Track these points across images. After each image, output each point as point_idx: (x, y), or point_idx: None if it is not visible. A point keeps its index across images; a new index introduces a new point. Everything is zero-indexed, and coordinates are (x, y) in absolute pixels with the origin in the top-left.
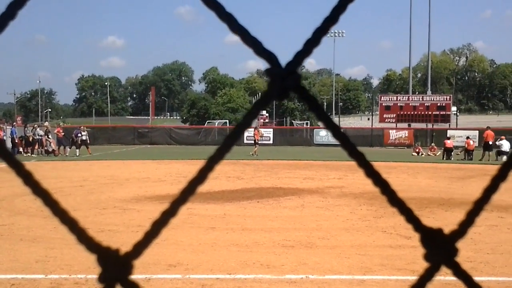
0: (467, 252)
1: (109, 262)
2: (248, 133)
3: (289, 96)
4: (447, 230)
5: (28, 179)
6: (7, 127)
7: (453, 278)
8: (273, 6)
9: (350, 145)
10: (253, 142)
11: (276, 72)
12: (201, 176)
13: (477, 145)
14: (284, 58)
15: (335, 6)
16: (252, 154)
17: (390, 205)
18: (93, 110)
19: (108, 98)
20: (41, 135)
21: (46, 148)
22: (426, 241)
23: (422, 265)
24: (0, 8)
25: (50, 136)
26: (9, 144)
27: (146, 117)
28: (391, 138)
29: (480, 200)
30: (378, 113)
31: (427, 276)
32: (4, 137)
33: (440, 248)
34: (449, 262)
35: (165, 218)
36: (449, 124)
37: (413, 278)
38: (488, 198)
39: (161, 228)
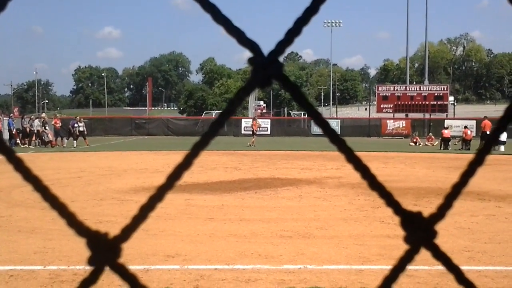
0: (464, 241)
1: (98, 245)
2: (246, 123)
3: (272, 84)
4: (445, 218)
5: (20, 168)
6: (4, 118)
7: None
8: None
9: (331, 132)
10: (251, 132)
11: (259, 61)
12: (186, 162)
13: (474, 134)
14: (268, 47)
15: None
16: (250, 144)
17: (371, 189)
18: (90, 101)
19: (105, 89)
20: (38, 126)
21: (43, 139)
22: (405, 224)
23: (419, 255)
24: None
25: (47, 127)
26: (6, 136)
27: (143, 108)
28: (388, 128)
29: (458, 184)
30: (375, 103)
31: (407, 258)
32: (1, 129)
33: (419, 230)
34: (428, 244)
35: (152, 203)
36: (447, 114)
37: (411, 268)
38: (465, 183)
39: (148, 212)
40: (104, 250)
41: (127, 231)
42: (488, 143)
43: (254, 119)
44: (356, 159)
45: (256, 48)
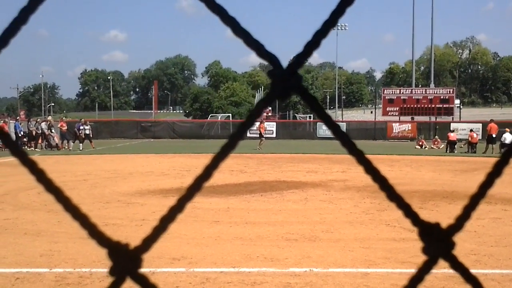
0: (471, 245)
1: (119, 256)
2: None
3: (291, 96)
4: (451, 222)
5: (40, 175)
6: (11, 121)
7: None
8: (275, 2)
9: (349, 143)
10: (258, 135)
11: (278, 73)
12: (207, 174)
13: (480, 138)
14: (285, 53)
15: (334, 10)
16: (259, 148)
17: (389, 200)
18: (96, 104)
19: (111, 92)
20: (44, 129)
21: (49, 142)
22: (424, 235)
23: (425, 258)
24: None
25: (53, 130)
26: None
27: (149, 111)
28: (394, 131)
29: (476, 195)
30: (381, 106)
31: (425, 268)
32: (8, 132)
33: (437, 241)
34: (446, 255)
35: (172, 213)
36: (453, 117)
37: (417, 271)
38: (484, 194)
39: (169, 223)
40: (125, 261)
41: (148, 242)
42: (507, 153)
43: (261, 122)
44: (375, 170)
45: (275, 60)
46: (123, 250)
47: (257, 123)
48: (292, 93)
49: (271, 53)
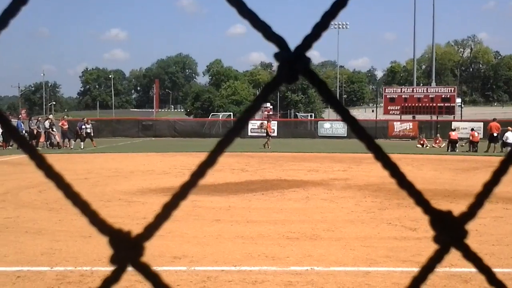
0: (472, 243)
1: (121, 244)
2: (253, 125)
3: (298, 79)
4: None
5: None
6: (13, 120)
7: (459, 269)
8: None
9: (359, 128)
10: (264, 134)
11: (285, 55)
12: (210, 160)
13: (481, 136)
14: (293, 43)
15: None
16: (268, 147)
17: (399, 187)
18: (97, 103)
19: (112, 91)
20: (46, 128)
21: (51, 141)
22: (435, 223)
23: (427, 256)
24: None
25: (54, 129)
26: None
27: (150, 110)
28: (395, 130)
29: (489, 182)
30: (382, 105)
31: (436, 258)
32: None
33: (449, 230)
34: (458, 243)
35: (175, 201)
36: (454, 116)
37: (418, 269)
38: (497, 182)
39: (172, 211)
40: (127, 249)
41: (150, 230)
42: None
43: (268, 121)
44: (383, 154)
45: (282, 42)
46: (125, 238)
47: (265, 122)
48: (299, 76)
49: (278, 35)
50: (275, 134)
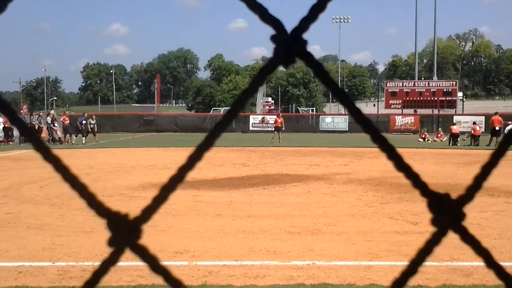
0: None
1: (119, 226)
2: (254, 120)
3: (295, 61)
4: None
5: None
6: None
7: (461, 263)
8: None
9: (356, 111)
10: (273, 129)
11: (282, 38)
12: (207, 143)
13: (483, 130)
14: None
15: None
16: (279, 141)
17: (397, 170)
18: (99, 98)
19: (114, 86)
20: (48, 123)
21: (53, 136)
22: (433, 205)
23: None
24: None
25: (56, 124)
26: (16, 133)
27: (152, 105)
28: (397, 124)
29: (487, 164)
30: (384, 99)
31: (434, 240)
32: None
33: (447, 212)
34: (456, 226)
35: (172, 184)
36: (455, 110)
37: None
38: (496, 163)
39: (169, 194)
40: (125, 231)
41: (148, 212)
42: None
43: (278, 115)
44: (378, 134)
45: (279, 25)
46: (123, 220)
47: (266, 117)
48: (296, 58)
49: (275, 17)
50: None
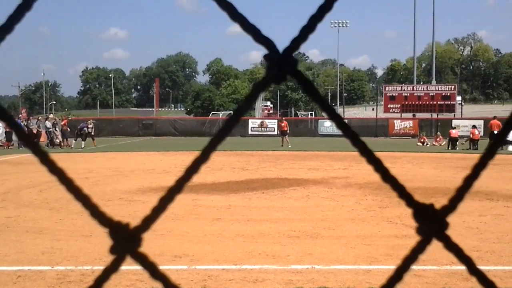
0: (473, 241)
1: (120, 235)
2: (253, 124)
3: (286, 79)
4: (453, 218)
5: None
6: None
7: (460, 268)
8: None
9: (343, 124)
10: (280, 133)
11: (274, 57)
12: (203, 158)
13: (482, 134)
14: (282, 44)
15: None
16: (288, 144)
17: (383, 181)
18: (98, 102)
19: (113, 90)
20: (47, 128)
21: (52, 140)
22: (418, 215)
23: (428, 255)
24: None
25: (57, 129)
26: (15, 137)
27: (151, 109)
28: (396, 128)
29: (469, 176)
30: (382, 103)
31: (419, 249)
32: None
33: (431, 222)
34: (440, 235)
35: (171, 194)
36: (454, 114)
37: (419, 268)
38: (477, 176)
39: (167, 204)
40: (125, 240)
41: (148, 222)
42: (500, 136)
43: (282, 120)
44: (363, 145)
45: (271, 45)
46: (124, 229)
47: (265, 121)
48: (287, 76)
49: (267, 38)
50: (275, 132)
